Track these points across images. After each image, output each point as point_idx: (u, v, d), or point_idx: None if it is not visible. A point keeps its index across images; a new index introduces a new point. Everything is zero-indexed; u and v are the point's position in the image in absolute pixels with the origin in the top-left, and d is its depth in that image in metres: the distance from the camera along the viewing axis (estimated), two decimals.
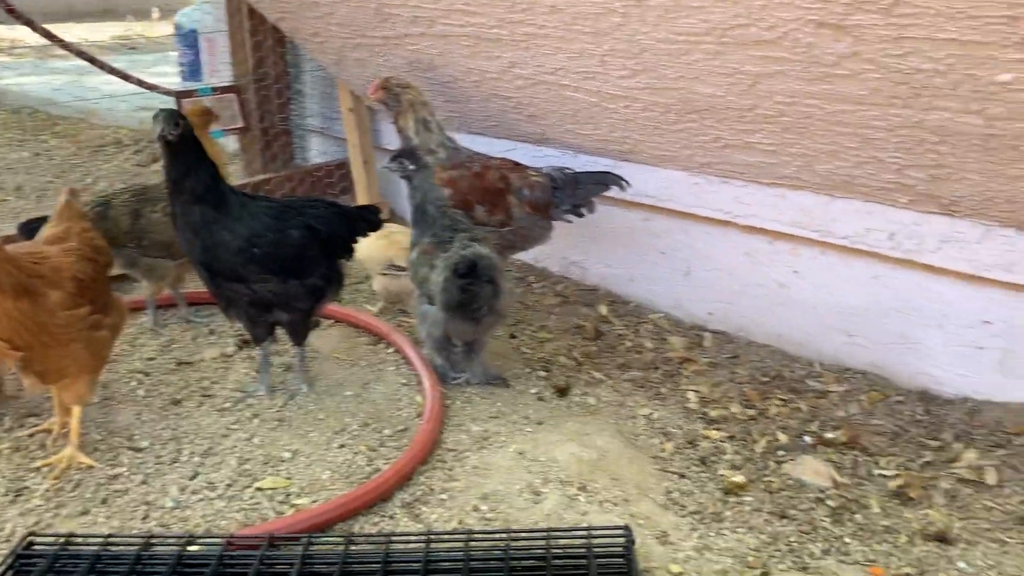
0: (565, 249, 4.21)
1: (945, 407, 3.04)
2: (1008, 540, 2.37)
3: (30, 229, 3.08)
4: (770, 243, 3.43)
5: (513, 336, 3.60)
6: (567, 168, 3.59)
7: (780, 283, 3.44)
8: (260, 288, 2.88)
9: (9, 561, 2.08)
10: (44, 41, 4.96)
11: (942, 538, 2.37)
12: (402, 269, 3.45)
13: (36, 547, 2.13)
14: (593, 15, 2.79)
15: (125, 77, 5.16)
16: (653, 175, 3.65)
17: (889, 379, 3.22)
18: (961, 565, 2.28)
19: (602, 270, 4.11)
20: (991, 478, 2.64)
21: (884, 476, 2.67)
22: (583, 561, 2.10)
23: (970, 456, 2.74)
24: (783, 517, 2.48)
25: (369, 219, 3.09)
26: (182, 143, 2.76)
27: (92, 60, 5.09)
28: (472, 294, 2.85)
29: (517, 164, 3.58)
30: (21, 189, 5.47)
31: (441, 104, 4.07)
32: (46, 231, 2.78)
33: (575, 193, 3.54)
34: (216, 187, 2.85)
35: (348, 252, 3.09)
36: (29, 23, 4.70)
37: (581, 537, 2.17)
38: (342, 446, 2.80)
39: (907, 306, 3.10)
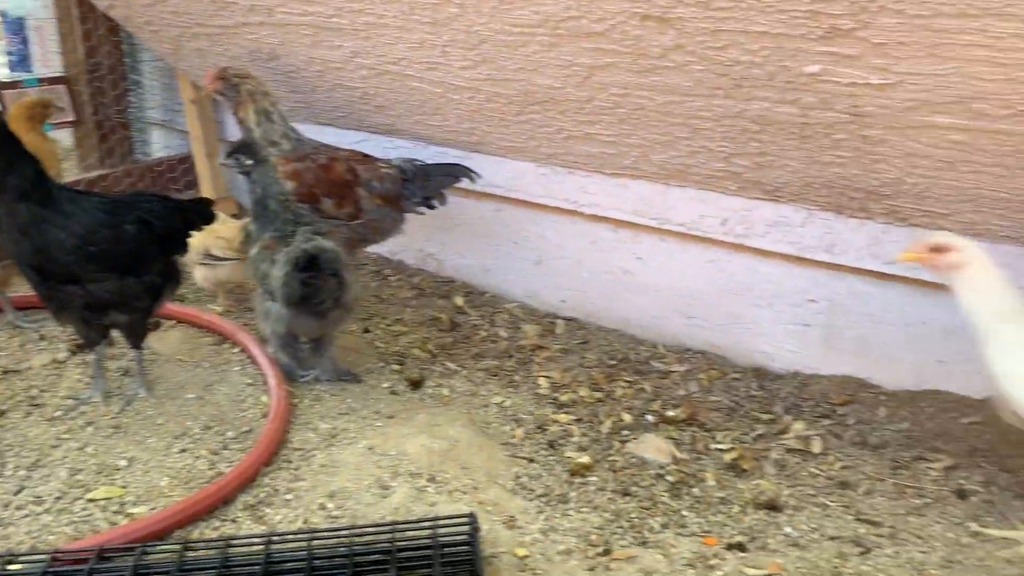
0: (420, 241, 4.20)
1: (777, 382, 3.22)
2: (830, 504, 2.53)
3: None
4: (614, 231, 3.53)
5: (367, 330, 3.56)
6: (417, 160, 3.58)
7: (625, 269, 3.55)
8: (96, 288, 2.73)
9: None
10: None
11: (772, 506, 2.51)
12: (219, 259, 3.42)
13: None
14: (431, 5, 2.79)
15: None
16: (502, 166, 3.69)
17: (727, 358, 3.38)
18: (788, 530, 2.42)
19: (458, 261, 4.12)
20: (816, 447, 2.82)
21: (720, 450, 2.81)
22: (428, 552, 2.11)
23: (798, 427, 2.92)
24: (625, 494, 2.56)
25: (203, 212, 2.98)
26: None
27: None
28: (314, 288, 2.80)
29: (366, 156, 3.54)
30: None
31: (286, 95, 3.98)
32: None
33: (426, 185, 3.53)
34: (42, 183, 2.68)
35: (183, 247, 2.97)
36: None
37: (426, 528, 2.18)
38: (183, 451, 2.69)
39: (740, 288, 3.26)
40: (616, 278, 3.58)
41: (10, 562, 2.03)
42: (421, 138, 3.87)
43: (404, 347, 3.45)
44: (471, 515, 2.19)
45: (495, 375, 3.27)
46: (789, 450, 2.82)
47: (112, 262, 2.72)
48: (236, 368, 3.21)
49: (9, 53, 6.49)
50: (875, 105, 2.32)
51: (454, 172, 3.55)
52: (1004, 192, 2.47)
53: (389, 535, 2.16)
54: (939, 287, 2.83)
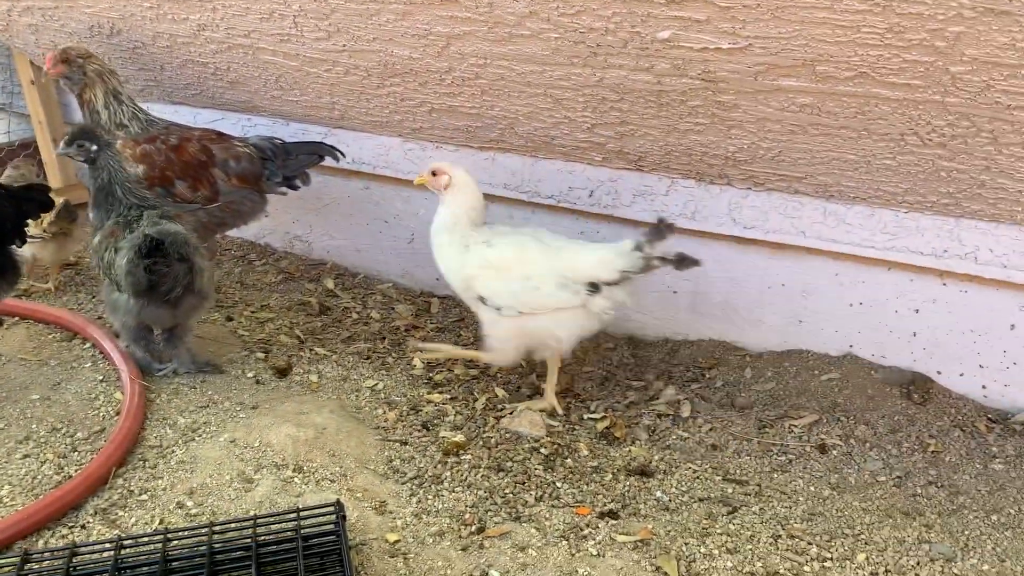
0: (287, 223, 4.05)
1: (648, 349, 3.26)
2: (698, 467, 2.58)
3: None
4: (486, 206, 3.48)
5: (230, 319, 3.40)
6: (276, 138, 3.42)
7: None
8: None
9: None
10: None
11: (643, 472, 2.53)
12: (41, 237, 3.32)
13: None
14: None
15: None
16: (368, 142, 3.59)
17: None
18: (659, 495, 2.44)
19: (328, 243, 3.99)
20: (686, 411, 2.87)
21: (593, 419, 2.82)
22: (292, 544, 2.03)
23: (669, 392, 2.96)
24: (500, 470, 2.53)
25: (39, 200, 2.77)
26: None
27: None
28: (161, 274, 2.63)
29: (221, 135, 3.37)
30: None
31: (133, 72, 3.75)
32: None
33: (286, 164, 3.39)
34: None
35: (20, 238, 2.75)
36: None
37: (290, 520, 2.09)
38: (26, 456, 2.49)
39: None
40: None
41: None
42: (280, 115, 3.71)
43: (270, 334, 3.32)
44: (337, 503, 2.11)
45: (367, 358, 3.19)
46: (660, 415, 2.86)
47: None
48: (87, 365, 3.01)
49: None
50: (726, 70, 2.35)
51: (317, 151, 3.41)
52: (852, 154, 2.55)
53: (250, 530, 2.07)
54: (797, 249, 2.92)
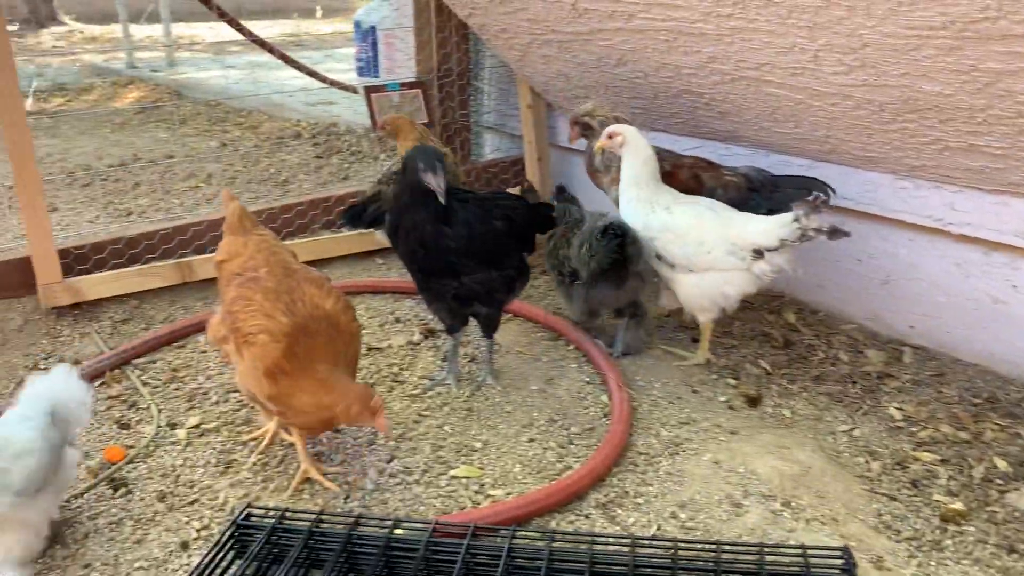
0: None
1: None
2: None
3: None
4: (985, 254, 3.18)
5: (695, 340, 3.50)
6: (765, 170, 3.45)
7: (995, 298, 3.19)
8: (468, 281, 2.89)
9: (231, 531, 2.17)
10: (219, 38, 5.23)
11: None
12: None
13: (254, 518, 2.22)
14: (813, 8, 2.65)
15: (312, 74, 5.37)
16: (853, 177, 3.47)
17: None
18: None
19: (788, 275, 3.93)
20: None
21: None
22: None
23: None
24: (1012, 551, 2.28)
25: (546, 215, 3.12)
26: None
27: (284, 58, 5.33)
28: (617, 252, 3.04)
29: (711, 163, 3.48)
30: (212, 177, 5.80)
31: (625, 100, 4.02)
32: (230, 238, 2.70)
33: (772, 196, 3.39)
34: (447, 205, 2.77)
35: (531, 246, 3.10)
36: (232, 22, 4.97)
37: (795, 555, 2.07)
38: (531, 440, 2.79)
39: None
40: (983, 307, 3.22)
41: (397, 526, 2.19)
42: (763, 145, 3.73)
43: (736, 362, 3.34)
44: (845, 548, 2.05)
45: (839, 401, 3.07)
46: None
47: (484, 256, 2.87)
48: (573, 365, 3.29)
49: (358, 59, 7.23)
50: None
51: (808, 185, 3.34)
52: None
53: (756, 556, 2.08)
54: None
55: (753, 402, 3.04)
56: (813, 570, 2.02)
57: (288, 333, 2.32)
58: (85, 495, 2.53)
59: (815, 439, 2.79)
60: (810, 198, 2.90)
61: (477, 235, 2.82)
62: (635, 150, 3.19)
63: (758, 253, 2.99)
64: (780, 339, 3.52)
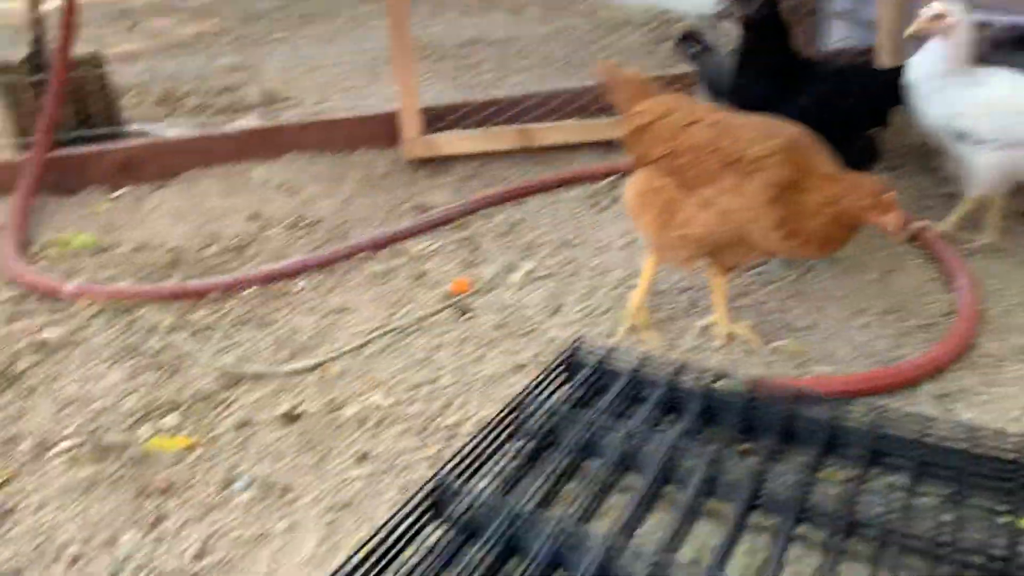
0: None
1: None
2: None
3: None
4: None
5: None
6: None
7: None
8: None
9: (564, 357, 2.35)
10: None
11: None
12: None
13: (582, 353, 2.38)
14: None
15: None
16: None
17: None
18: None
19: None
20: None
21: None
22: None
23: None
24: None
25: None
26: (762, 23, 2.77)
27: None
28: None
29: None
30: (548, 58, 6.03)
31: None
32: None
33: None
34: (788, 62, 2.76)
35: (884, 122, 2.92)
36: None
37: None
38: (864, 326, 2.67)
39: None
40: None
41: (718, 379, 2.23)
42: None
43: None
44: None
45: None
46: None
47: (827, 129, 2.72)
48: (915, 261, 3.07)
49: None
50: None
51: None
52: None
53: None
54: None
55: None
56: None
57: (786, 148, 2.32)
58: (435, 316, 2.86)
59: None
60: None
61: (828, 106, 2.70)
62: (964, 31, 2.90)
63: None
64: None
